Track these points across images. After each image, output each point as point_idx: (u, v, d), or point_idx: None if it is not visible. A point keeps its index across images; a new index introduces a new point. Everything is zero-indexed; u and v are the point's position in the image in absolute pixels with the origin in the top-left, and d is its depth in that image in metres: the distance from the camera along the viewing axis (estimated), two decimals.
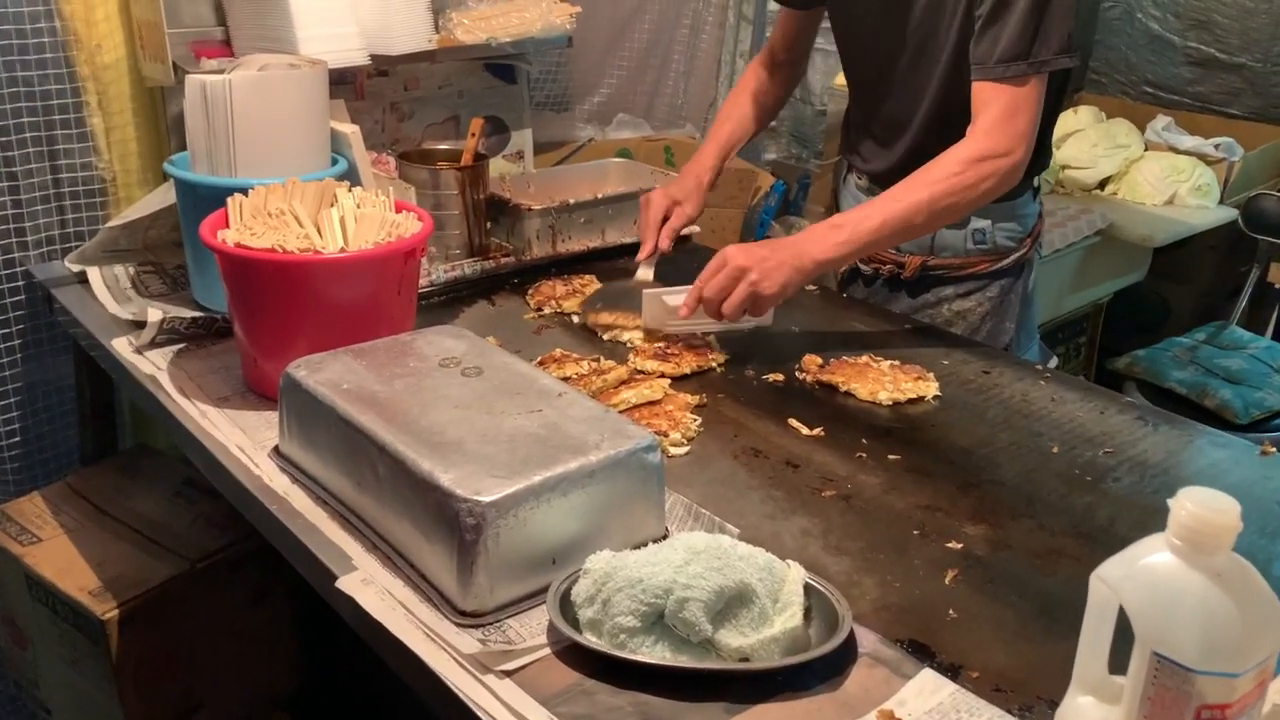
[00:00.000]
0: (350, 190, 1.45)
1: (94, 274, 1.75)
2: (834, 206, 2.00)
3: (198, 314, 1.58)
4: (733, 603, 0.94)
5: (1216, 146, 2.87)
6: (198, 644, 1.71)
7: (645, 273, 1.76)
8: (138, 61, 1.89)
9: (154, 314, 1.53)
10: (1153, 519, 1.18)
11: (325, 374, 1.20)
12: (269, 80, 1.56)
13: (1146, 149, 2.91)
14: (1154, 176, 2.77)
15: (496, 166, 2.16)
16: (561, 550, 1.03)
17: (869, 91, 1.78)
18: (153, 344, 1.53)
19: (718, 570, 0.94)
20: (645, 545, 1.07)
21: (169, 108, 1.93)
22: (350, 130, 1.68)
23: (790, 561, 1.01)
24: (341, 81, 1.97)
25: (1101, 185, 2.89)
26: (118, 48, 1.88)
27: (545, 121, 2.68)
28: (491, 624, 0.99)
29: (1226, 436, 1.39)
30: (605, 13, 2.79)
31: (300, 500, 1.19)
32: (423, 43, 2.03)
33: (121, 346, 1.55)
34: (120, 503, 1.81)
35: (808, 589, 0.99)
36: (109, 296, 1.69)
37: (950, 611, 1.04)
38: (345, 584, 1.04)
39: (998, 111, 1.50)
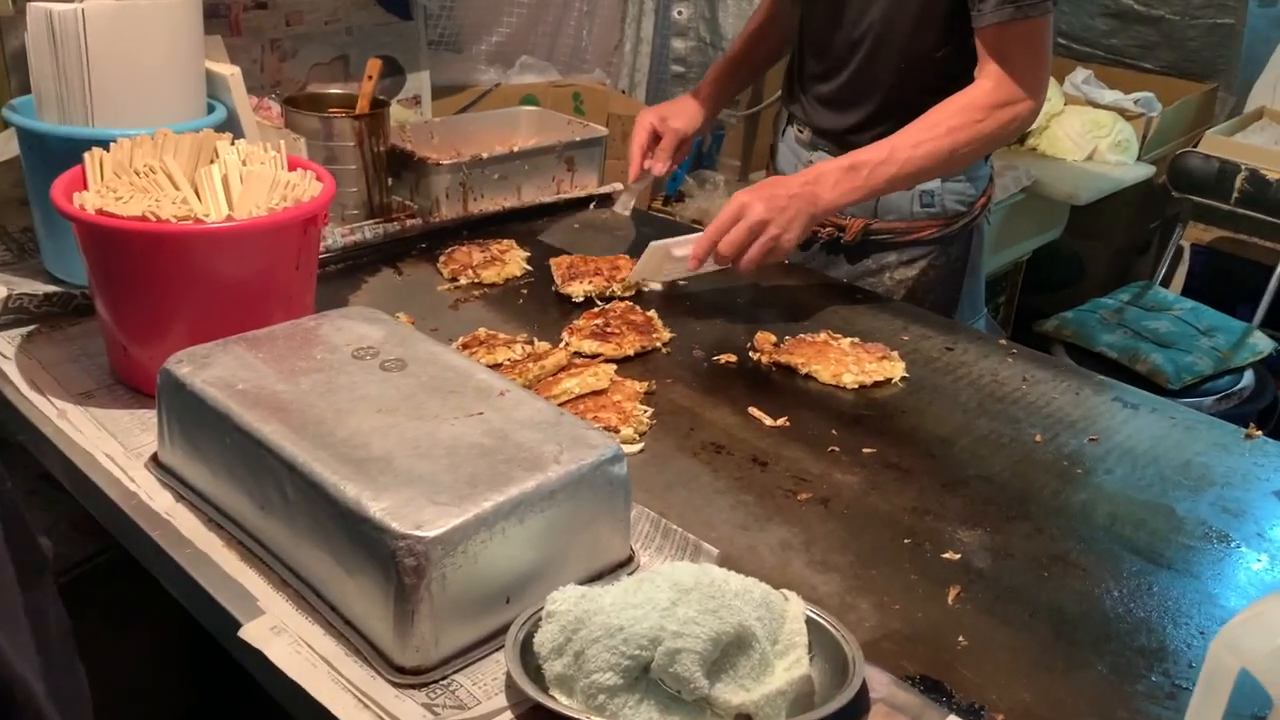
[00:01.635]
0: (234, 144, 1.23)
1: None
2: (771, 163, 1.85)
3: (51, 289, 1.34)
4: (730, 650, 0.79)
5: (1136, 101, 2.82)
6: None
7: (626, 203, 1.76)
8: None
9: None
10: (1154, 517, 1.09)
11: (214, 370, 1.00)
12: (130, 10, 1.31)
13: (1066, 103, 2.84)
14: (1075, 131, 2.70)
15: (393, 114, 1.94)
16: (517, 586, 0.86)
17: (822, 37, 1.63)
18: None
19: (712, 613, 0.79)
20: (612, 572, 0.93)
21: (7, 42, 1.65)
22: (230, 72, 1.44)
23: (787, 592, 0.87)
24: (214, 15, 1.73)
25: (1021, 139, 2.82)
26: None
27: (442, 63, 2.44)
28: (438, 682, 0.82)
29: (1208, 418, 1.31)
30: None
31: (187, 522, 0.99)
32: None
33: None
34: None
35: (808, 623, 0.85)
36: None
37: (960, 639, 0.92)
38: (251, 633, 0.86)
39: (1016, 55, 1.41)
